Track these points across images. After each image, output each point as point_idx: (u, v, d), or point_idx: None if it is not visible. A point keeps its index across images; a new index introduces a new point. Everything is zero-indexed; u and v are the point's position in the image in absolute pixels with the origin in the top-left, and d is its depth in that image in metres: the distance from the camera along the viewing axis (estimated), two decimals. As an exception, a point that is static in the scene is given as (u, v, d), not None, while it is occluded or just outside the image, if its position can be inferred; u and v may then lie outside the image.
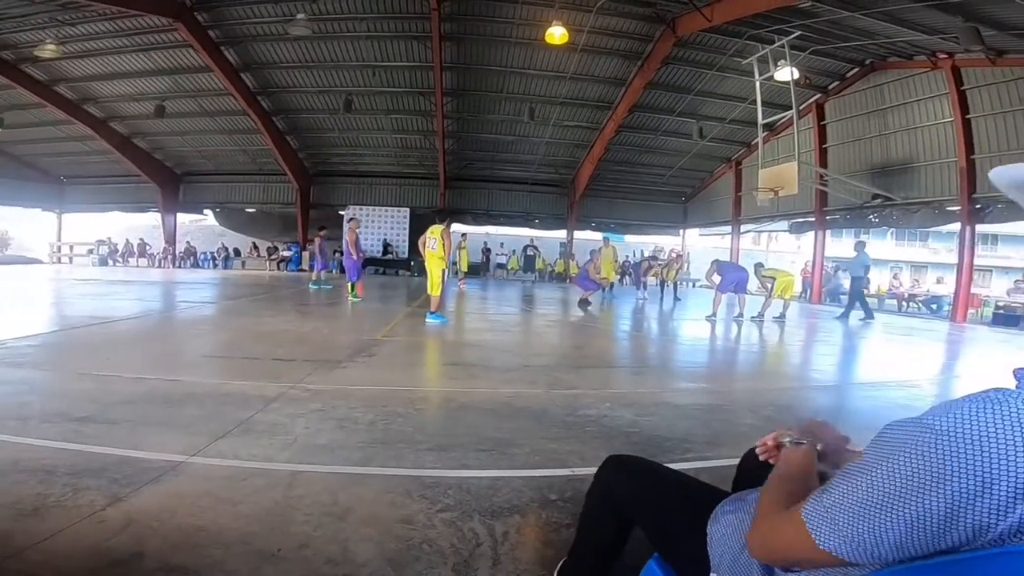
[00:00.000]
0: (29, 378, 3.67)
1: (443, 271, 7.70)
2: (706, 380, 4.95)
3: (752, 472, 1.23)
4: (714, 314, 9.52)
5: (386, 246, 22.05)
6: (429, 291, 7.73)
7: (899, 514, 0.63)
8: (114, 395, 3.30)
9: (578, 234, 23.30)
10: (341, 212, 22.43)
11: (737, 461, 1.35)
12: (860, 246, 11.63)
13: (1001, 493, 0.58)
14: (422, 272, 21.42)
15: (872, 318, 11.09)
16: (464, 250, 17.35)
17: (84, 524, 1.77)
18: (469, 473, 2.39)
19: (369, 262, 21.55)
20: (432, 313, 7.54)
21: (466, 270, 17.59)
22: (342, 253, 14.51)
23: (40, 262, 23.27)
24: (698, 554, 1.03)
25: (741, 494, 1.07)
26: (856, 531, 0.66)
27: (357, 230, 10.97)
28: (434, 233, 7.65)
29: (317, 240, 14.05)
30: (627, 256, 22.87)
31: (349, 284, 10.62)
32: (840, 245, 33.31)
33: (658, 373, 5.20)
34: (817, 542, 0.70)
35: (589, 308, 10.45)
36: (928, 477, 0.61)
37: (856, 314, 11.33)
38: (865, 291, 12.21)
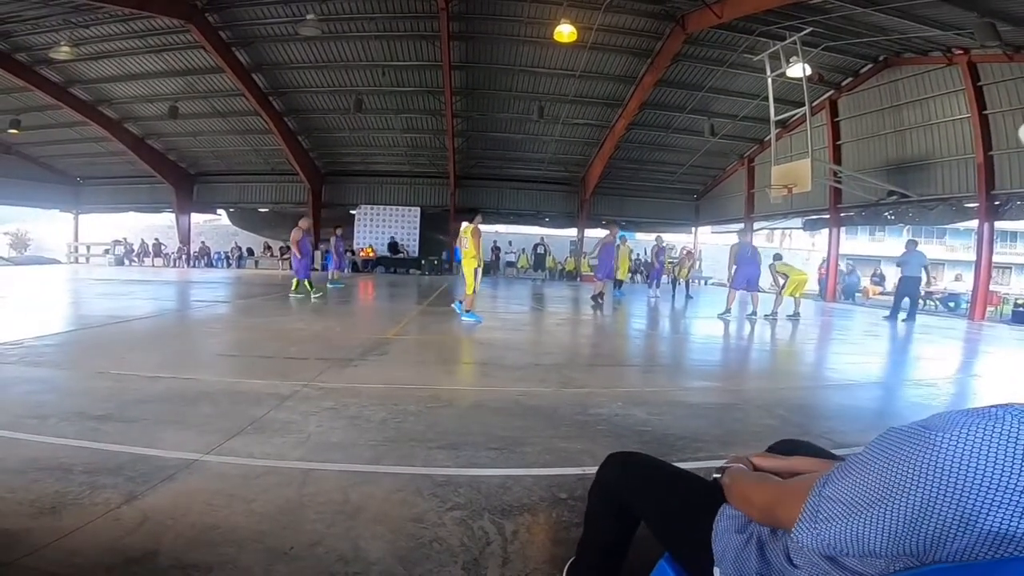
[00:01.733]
0: (48, 377, 3.73)
1: (475, 270, 7.54)
2: (719, 379, 4.92)
3: None
4: (728, 311, 9.43)
5: (393, 245, 22.14)
6: (474, 290, 7.64)
7: (876, 513, 0.65)
8: (130, 394, 3.34)
9: (589, 232, 23.22)
10: (352, 212, 22.60)
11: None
12: (912, 244, 10.93)
13: (970, 505, 0.58)
14: (432, 271, 21.60)
15: (895, 319, 10.57)
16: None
17: (101, 522, 1.80)
18: (479, 471, 2.39)
19: (380, 261, 21.75)
20: (466, 312, 7.51)
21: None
22: (338, 253, 14.53)
23: (58, 262, 23.65)
24: (703, 548, 1.03)
25: None
26: (835, 529, 0.70)
27: (305, 228, 10.66)
28: (465, 232, 7.62)
29: (332, 239, 14.12)
30: (638, 255, 22.78)
31: (295, 282, 10.47)
32: (855, 242, 33.00)
33: (670, 371, 5.16)
34: (795, 525, 0.76)
35: (601, 303, 10.40)
36: (906, 479, 0.63)
37: (902, 314, 10.67)
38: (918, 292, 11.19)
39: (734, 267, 9.88)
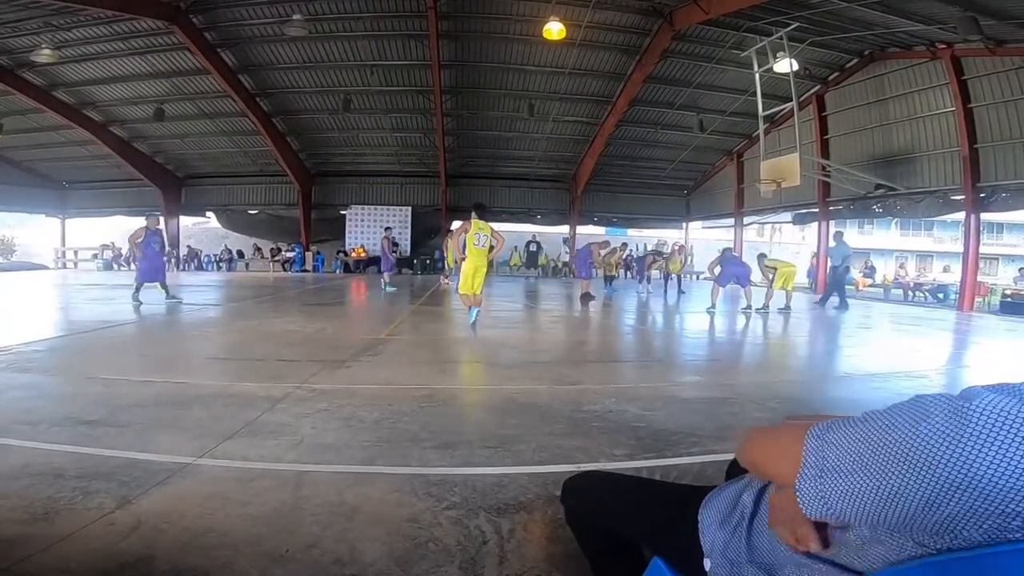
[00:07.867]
0: (38, 382, 3.69)
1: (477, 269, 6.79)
2: (711, 374, 4.94)
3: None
4: (713, 306, 9.56)
5: (394, 246, 22.10)
6: (464, 290, 6.78)
7: (884, 484, 0.58)
8: (122, 398, 3.31)
9: (581, 229, 23.25)
10: (343, 212, 22.48)
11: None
12: (839, 236, 12.07)
13: (998, 488, 0.52)
14: (424, 270, 21.41)
15: (847, 308, 11.35)
16: (453, 243, 17.12)
17: (94, 527, 1.79)
18: (475, 470, 2.39)
19: (372, 261, 21.65)
20: (473, 310, 6.75)
21: (452, 265, 17.43)
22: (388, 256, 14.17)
23: (45, 268, 23.34)
24: (691, 546, 1.02)
25: (731, 481, 1.07)
26: (833, 486, 0.62)
27: (154, 227, 9.32)
28: (484, 230, 6.77)
29: (383, 243, 13.96)
30: (630, 251, 22.85)
31: (136, 286, 8.90)
32: (845, 236, 33.23)
33: (663, 367, 5.19)
34: (799, 477, 0.65)
35: (592, 302, 10.47)
36: (929, 449, 0.56)
37: (832, 301, 11.77)
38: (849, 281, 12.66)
39: (718, 268, 10.32)
